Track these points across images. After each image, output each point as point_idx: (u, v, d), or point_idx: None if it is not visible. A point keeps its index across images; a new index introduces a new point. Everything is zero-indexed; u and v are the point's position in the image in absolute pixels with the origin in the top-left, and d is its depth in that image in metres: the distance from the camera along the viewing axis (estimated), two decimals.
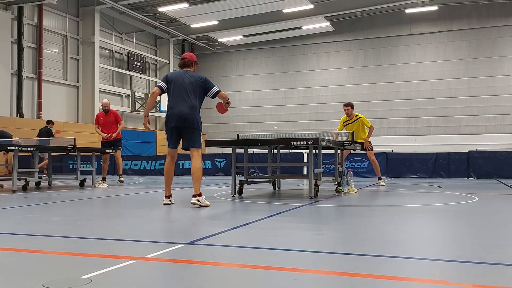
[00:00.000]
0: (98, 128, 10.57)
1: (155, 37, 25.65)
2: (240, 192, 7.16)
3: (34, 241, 3.38)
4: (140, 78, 24.21)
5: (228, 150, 12.83)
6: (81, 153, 10.26)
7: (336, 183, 7.71)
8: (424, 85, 22.86)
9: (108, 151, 10.40)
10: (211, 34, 24.48)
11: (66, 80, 20.24)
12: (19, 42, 17.89)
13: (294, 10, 21.11)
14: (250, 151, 12.41)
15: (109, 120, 10.54)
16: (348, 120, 9.93)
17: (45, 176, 10.22)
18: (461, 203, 6.13)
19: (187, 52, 6.31)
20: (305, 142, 6.42)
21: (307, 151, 9.29)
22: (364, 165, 14.80)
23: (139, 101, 24.05)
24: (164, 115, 24.79)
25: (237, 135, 8.57)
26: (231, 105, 6.26)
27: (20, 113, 17.79)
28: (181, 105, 5.70)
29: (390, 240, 3.40)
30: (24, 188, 8.67)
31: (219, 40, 25.43)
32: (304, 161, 12.84)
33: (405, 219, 4.65)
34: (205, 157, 15.97)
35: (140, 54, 23.88)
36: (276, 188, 8.68)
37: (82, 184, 9.83)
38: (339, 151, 8.23)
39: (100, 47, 21.27)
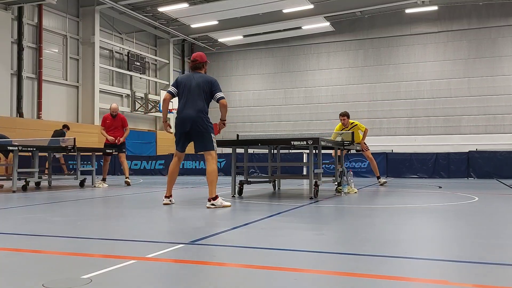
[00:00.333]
0: (104, 130, 10.55)
1: (155, 37, 25.64)
2: (240, 192, 7.16)
3: (34, 241, 3.38)
4: (140, 78, 24.21)
5: (228, 150, 12.82)
6: (81, 153, 10.26)
7: (336, 183, 7.72)
8: (424, 85, 22.87)
9: (108, 151, 10.40)
10: (211, 34, 24.48)
11: (66, 80, 20.24)
12: (19, 42, 17.89)
13: (294, 10, 21.11)
14: (250, 151, 12.41)
15: (116, 124, 10.53)
16: (345, 129, 9.92)
17: (45, 176, 10.22)
18: (461, 203, 6.13)
19: (197, 53, 6.06)
20: (305, 142, 6.42)
21: (307, 151, 9.30)
22: (364, 165, 14.80)
23: (139, 101, 24.04)
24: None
25: (237, 135, 8.57)
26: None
27: (20, 113, 17.79)
28: (188, 109, 5.67)
29: (390, 240, 3.40)
30: (24, 188, 8.67)
31: (219, 40, 25.43)
32: (304, 161, 12.84)
33: (405, 219, 4.65)
34: None
35: (140, 54, 23.88)
36: (276, 188, 8.68)
37: (82, 184, 9.84)
38: (339, 151, 8.24)
39: (100, 47, 21.27)
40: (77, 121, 20.42)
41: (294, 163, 13.83)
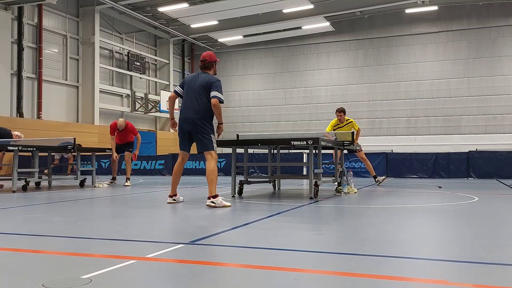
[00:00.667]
0: (114, 139, 10.69)
1: (155, 37, 25.64)
2: (240, 192, 7.16)
3: (34, 241, 3.38)
4: (140, 78, 24.20)
5: (228, 150, 12.83)
6: (81, 153, 10.26)
7: (336, 183, 7.72)
8: (424, 85, 22.86)
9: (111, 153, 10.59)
10: (211, 34, 24.47)
11: (66, 80, 20.23)
12: (19, 42, 17.88)
13: (294, 10, 21.10)
14: (250, 151, 12.41)
15: (125, 133, 10.80)
16: (339, 124, 10.22)
17: (45, 176, 10.22)
18: (461, 203, 6.13)
19: (207, 52, 6.00)
20: (305, 142, 6.42)
21: (307, 151, 9.30)
22: (364, 165, 14.78)
23: (139, 101, 24.03)
24: (164, 115, 24.84)
25: (237, 135, 8.58)
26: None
27: (20, 113, 17.78)
28: (188, 109, 5.69)
29: (390, 240, 3.40)
30: (24, 188, 8.67)
31: (219, 40, 25.42)
32: (304, 161, 12.84)
33: (405, 219, 4.65)
34: None
35: (140, 54, 23.87)
36: (276, 188, 8.69)
37: (82, 184, 9.84)
38: (339, 151, 8.24)
39: (100, 47, 21.26)
40: (77, 121, 20.42)
41: (294, 163, 13.83)
